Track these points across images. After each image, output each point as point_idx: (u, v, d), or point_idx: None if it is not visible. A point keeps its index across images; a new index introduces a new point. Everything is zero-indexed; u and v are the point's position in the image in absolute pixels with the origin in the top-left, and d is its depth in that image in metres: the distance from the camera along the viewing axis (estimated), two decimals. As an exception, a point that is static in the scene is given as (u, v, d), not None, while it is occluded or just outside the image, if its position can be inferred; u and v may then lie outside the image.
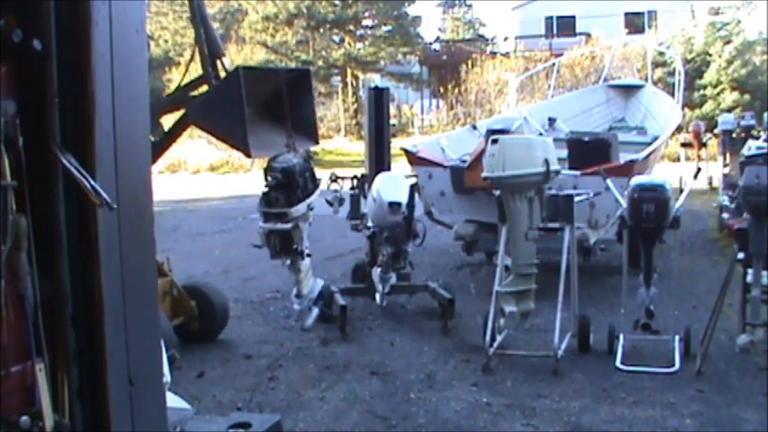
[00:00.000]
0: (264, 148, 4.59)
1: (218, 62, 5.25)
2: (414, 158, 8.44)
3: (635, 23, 34.46)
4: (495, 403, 5.16)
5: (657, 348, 5.95)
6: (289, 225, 4.50)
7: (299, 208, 4.47)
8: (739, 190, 5.62)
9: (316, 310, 4.83)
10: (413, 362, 6.00)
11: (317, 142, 4.98)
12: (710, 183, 14.41)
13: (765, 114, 12.57)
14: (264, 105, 4.80)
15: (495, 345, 5.86)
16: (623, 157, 8.20)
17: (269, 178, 4.50)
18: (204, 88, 5.20)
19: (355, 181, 7.50)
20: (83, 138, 1.83)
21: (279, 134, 4.63)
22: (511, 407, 5.10)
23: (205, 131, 5.05)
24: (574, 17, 36.71)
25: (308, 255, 4.66)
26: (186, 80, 5.36)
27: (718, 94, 24.60)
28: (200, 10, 5.21)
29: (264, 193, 4.50)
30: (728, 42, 25.42)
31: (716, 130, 13.35)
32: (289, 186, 4.46)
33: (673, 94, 13.05)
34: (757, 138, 11.02)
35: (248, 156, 4.48)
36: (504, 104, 22.97)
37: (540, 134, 10.67)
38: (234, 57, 30.73)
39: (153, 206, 2.13)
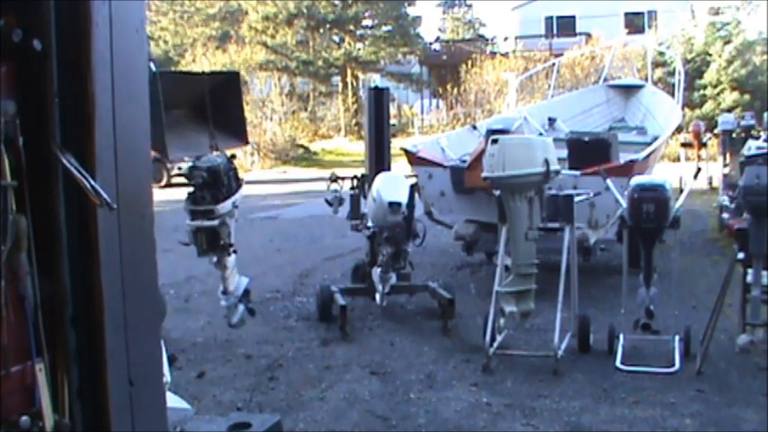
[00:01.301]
0: (187, 150, 4.63)
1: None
2: (414, 158, 8.44)
3: (635, 23, 34.49)
4: (495, 403, 5.16)
5: (657, 348, 5.95)
6: (215, 222, 4.56)
7: (225, 205, 4.55)
8: (739, 190, 5.62)
9: (242, 307, 4.90)
10: (413, 362, 5.99)
11: (246, 143, 5.02)
12: (710, 183, 14.42)
13: (765, 114, 12.58)
14: (194, 108, 4.84)
15: (495, 345, 5.86)
16: (623, 157, 8.20)
17: (194, 177, 4.55)
18: None
19: (355, 181, 7.51)
20: (83, 138, 1.83)
21: (205, 136, 4.67)
22: (511, 407, 5.10)
23: None
24: (574, 17, 36.75)
25: (234, 251, 4.72)
26: None
27: (718, 94, 24.62)
28: None
29: (190, 193, 4.55)
30: (728, 42, 25.45)
31: (716, 130, 13.36)
32: (214, 185, 4.52)
33: (673, 94, 13.05)
34: (757, 138, 11.02)
35: (167, 158, 4.51)
36: (504, 104, 22.97)
37: (540, 134, 10.66)
38: (234, 57, 30.79)
39: (153, 206, 2.13)
